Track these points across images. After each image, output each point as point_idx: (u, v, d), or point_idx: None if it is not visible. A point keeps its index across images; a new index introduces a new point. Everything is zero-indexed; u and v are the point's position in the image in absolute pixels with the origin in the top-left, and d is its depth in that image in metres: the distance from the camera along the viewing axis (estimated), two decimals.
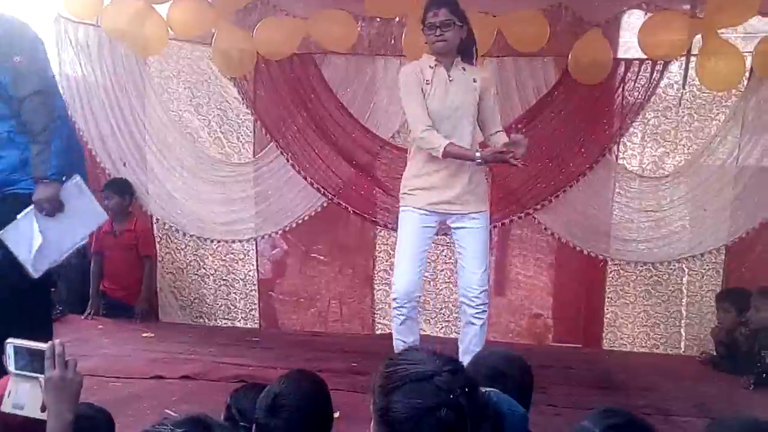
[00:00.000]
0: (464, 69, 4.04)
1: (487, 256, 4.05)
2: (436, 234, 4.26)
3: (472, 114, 4.02)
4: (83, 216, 3.53)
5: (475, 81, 4.03)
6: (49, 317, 3.87)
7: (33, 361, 1.91)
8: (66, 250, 3.54)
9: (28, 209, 3.37)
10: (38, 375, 1.88)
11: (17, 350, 1.92)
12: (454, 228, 4.06)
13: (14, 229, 3.36)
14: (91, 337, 5.18)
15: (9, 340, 1.95)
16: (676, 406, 4.13)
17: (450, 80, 3.98)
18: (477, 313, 3.99)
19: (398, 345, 4.00)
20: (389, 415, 1.60)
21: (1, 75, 3.31)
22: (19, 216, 3.36)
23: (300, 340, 5.48)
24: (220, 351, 4.97)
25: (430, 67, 4.00)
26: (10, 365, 1.92)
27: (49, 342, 1.90)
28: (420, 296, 4.09)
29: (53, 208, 3.40)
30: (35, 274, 3.39)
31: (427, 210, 3.99)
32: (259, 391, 2.36)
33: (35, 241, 3.35)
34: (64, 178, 3.41)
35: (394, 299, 4.00)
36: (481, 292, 3.97)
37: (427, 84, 3.97)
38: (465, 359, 3.59)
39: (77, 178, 3.48)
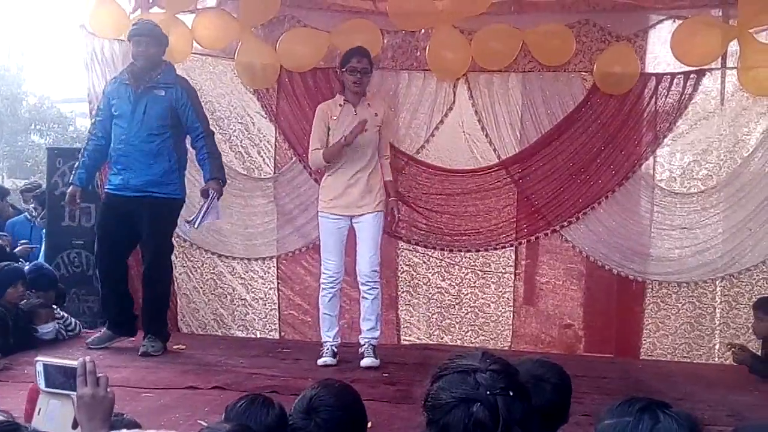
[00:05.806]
0: (369, 104, 4.99)
1: (377, 244, 4.98)
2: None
3: (375, 141, 4.93)
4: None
5: (377, 115, 4.96)
6: None
7: (63, 379, 1.90)
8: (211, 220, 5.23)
9: (212, 194, 5.04)
10: (69, 392, 1.88)
11: (47, 368, 1.92)
12: (354, 222, 4.97)
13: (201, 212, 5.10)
14: (123, 350, 5.21)
15: (38, 358, 1.95)
16: (710, 415, 4.06)
17: (355, 115, 4.87)
18: (368, 289, 4.94)
19: (325, 319, 4.97)
20: (429, 401, 1.64)
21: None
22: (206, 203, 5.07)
23: None
24: (252, 362, 4.97)
25: (339, 105, 4.96)
26: (41, 383, 1.92)
27: (80, 359, 1.89)
28: (342, 278, 5.05)
29: (221, 194, 5.15)
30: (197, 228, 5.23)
31: (337, 214, 4.96)
32: (252, 402, 2.31)
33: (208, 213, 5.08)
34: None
35: (328, 278, 4.95)
36: (371, 271, 4.91)
37: (334, 119, 4.92)
38: (364, 325, 4.96)
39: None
